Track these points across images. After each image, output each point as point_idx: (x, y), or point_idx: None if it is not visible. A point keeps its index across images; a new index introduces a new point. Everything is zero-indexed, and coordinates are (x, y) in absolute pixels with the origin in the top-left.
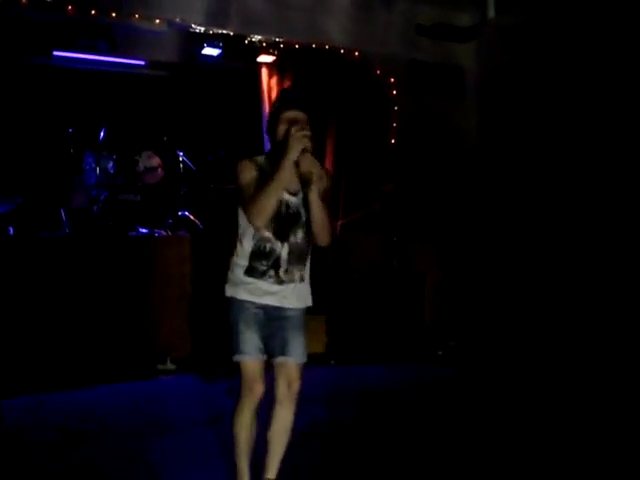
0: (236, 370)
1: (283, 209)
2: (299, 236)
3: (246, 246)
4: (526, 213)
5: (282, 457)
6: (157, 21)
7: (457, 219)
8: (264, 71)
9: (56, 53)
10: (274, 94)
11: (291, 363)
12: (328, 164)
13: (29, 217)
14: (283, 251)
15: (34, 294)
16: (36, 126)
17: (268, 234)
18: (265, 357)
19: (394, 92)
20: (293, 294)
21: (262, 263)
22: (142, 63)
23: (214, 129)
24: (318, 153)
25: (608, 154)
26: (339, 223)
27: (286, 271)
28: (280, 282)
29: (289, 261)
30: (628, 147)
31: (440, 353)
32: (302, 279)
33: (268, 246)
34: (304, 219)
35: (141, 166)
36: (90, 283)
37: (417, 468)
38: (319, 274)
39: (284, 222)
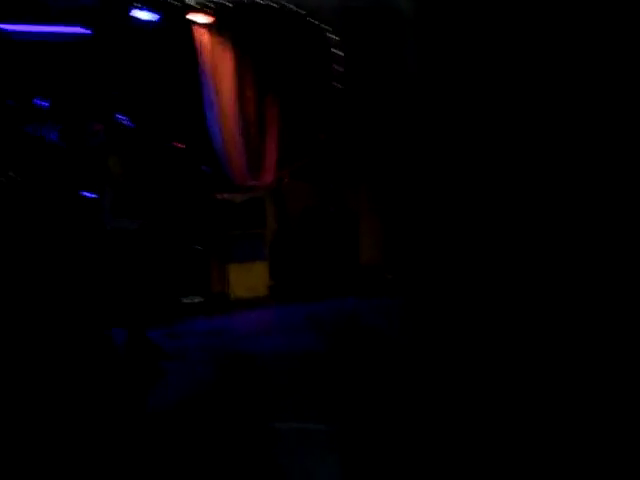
0: None
1: None
2: None
3: None
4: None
5: None
6: None
7: (391, 163)
8: (200, 31)
9: None
10: (210, 54)
11: None
12: (271, 117)
13: None
14: None
15: None
16: None
17: None
18: None
19: (333, 40)
20: None
21: None
22: (84, 32)
23: (154, 91)
24: None
25: None
26: (283, 172)
27: None
28: None
29: None
30: None
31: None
32: None
33: None
34: None
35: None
36: None
37: None
38: (260, 222)
39: None
